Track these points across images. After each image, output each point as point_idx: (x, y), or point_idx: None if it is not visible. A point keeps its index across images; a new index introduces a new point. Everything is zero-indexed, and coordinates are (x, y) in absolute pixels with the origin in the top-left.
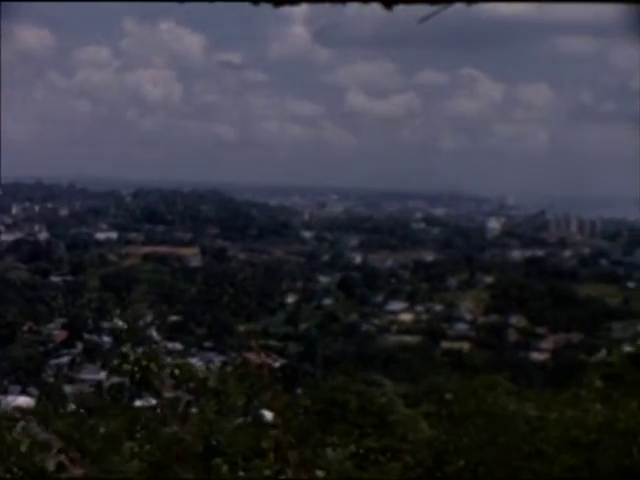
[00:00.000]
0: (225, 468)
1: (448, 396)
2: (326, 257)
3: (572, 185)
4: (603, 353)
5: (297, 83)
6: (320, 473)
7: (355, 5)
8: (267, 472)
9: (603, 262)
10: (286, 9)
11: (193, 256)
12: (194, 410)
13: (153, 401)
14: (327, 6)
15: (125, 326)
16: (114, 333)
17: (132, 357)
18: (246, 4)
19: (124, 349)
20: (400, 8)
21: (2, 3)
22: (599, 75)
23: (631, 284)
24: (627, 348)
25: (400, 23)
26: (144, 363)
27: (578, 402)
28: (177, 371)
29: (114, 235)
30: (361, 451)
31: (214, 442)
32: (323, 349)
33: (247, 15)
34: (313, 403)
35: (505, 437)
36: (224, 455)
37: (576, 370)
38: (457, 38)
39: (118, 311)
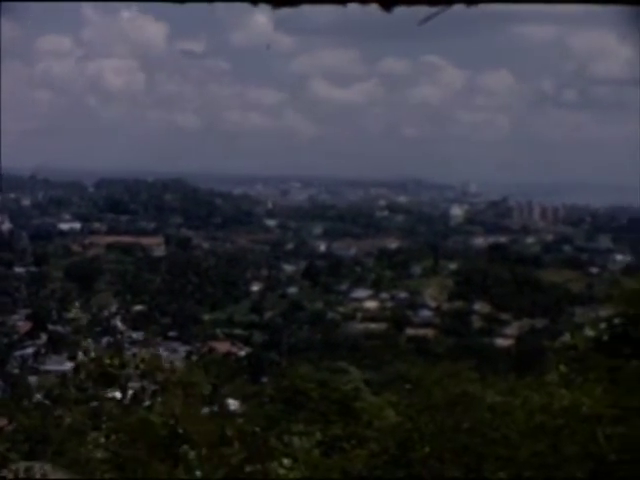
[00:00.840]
0: (192, 455)
1: (413, 383)
2: (290, 245)
3: (535, 172)
4: (566, 338)
5: (259, 71)
6: (286, 461)
7: None
8: (233, 460)
9: (566, 248)
10: None
11: (157, 246)
12: (160, 400)
13: (118, 392)
14: None
15: (85, 318)
16: (73, 326)
17: (93, 353)
18: None
19: (84, 344)
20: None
21: (2, 3)
22: (559, 62)
23: (594, 270)
24: (589, 332)
25: (363, 11)
26: (106, 361)
27: (542, 387)
28: (141, 365)
29: (77, 225)
30: (327, 439)
31: (180, 430)
32: (288, 337)
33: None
34: (278, 392)
35: (469, 423)
36: (190, 443)
37: (540, 355)
38: (419, 26)
39: (77, 303)
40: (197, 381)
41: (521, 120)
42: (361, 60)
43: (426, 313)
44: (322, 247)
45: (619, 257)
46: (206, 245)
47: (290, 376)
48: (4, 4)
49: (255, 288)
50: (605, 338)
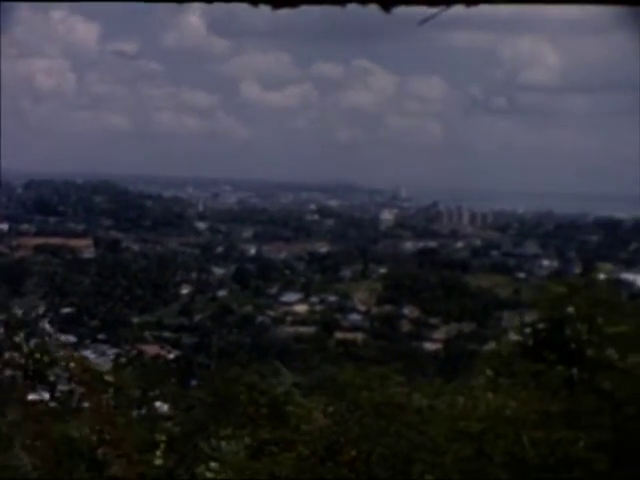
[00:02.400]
0: (118, 459)
1: (341, 386)
2: (220, 248)
3: (464, 177)
4: (493, 343)
5: (192, 73)
6: (214, 464)
7: None
8: (160, 464)
9: (494, 253)
10: None
11: (86, 247)
12: (87, 404)
13: (46, 395)
14: None
15: (17, 316)
16: (5, 324)
17: (26, 349)
18: None
19: (17, 339)
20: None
21: (2, 3)
22: (489, 69)
23: (521, 275)
24: (514, 337)
25: (297, 15)
26: (37, 356)
27: (469, 391)
28: (72, 364)
29: (5, 226)
30: (255, 443)
31: (108, 435)
32: (218, 340)
33: (141, 4)
34: (207, 395)
35: (396, 427)
36: (117, 448)
37: (468, 360)
38: (352, 30)
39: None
40: (125, 384)
41: (451, 126)
42: (294, 63)
43: (355, 317)
44: (252, 250)
45: (545, 262)
46: (136, 247)
47: (219, 379)
48: (4, 4)
49: (185, 291)
50: (530, 343)
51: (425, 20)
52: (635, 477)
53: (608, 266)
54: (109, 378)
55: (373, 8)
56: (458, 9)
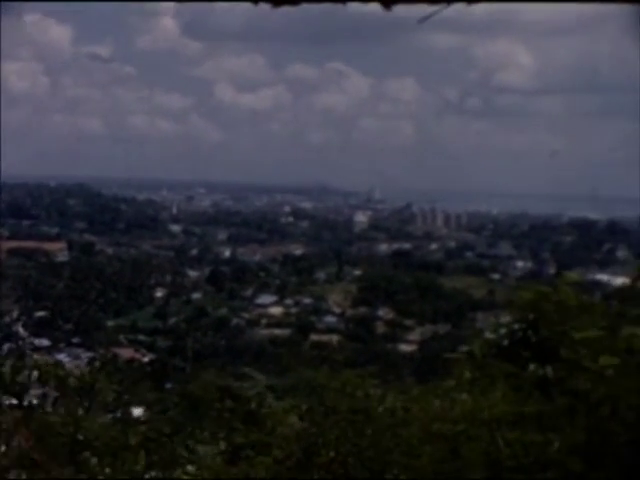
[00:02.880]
0: (94, 461)
1: (316, 389)
2: (195, 251)
3: (438, 178)
4: (467, 343)
5: (166, 76)
6: (190, 468)
7: None
8: (136, 467)
9: (468, 254)
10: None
11: (60, 251)
12: (62, 407)
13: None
14: None
15: None
16: None
17: None
18: None
19: None
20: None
21: (2, 3)
22: (463, 71)
23: (495, 276)
24: (489, 337)
25: (270, 17)
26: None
27: (444, 392)
28: (45, 369)
29: None
30: (231, 446)
31: (81, 437)
32: (193, 343)
33: (115, 7)
34: (183, 398)
35: (372, 429)
36: (92, 449)
37: (443, 361)
38: (325, 32)
39: None
40: (100, 387)
41: (425, 127)
42: (268, 65)
43: (330, 319)
44: (227, 253)
45: (520, 263)
46: (110, 250)
47: (194, 382)
48: (4, 4)
49: (159, 294)
50: (505, 343)
51: (425, 18)
52: (609, 478)
53: (574, 275)
54: (83, 381)
55: (374, 6)
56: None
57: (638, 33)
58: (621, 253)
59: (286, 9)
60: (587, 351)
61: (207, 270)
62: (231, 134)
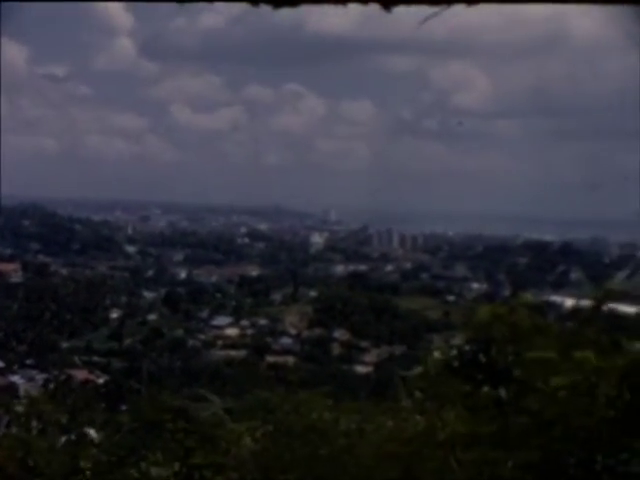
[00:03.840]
0: None
1: (271, 410)
2: (150, 272)
3: (394, 200)
4: (421, 365)
5: (122, 96)
6: None
7: (182, 17)
8: None
9: (424, 276)
10: (111, 21)
11: (14, 272)
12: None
13: None
14: (153, 19)
15: None
16: None
17: None
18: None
19: None
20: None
21: (2, 3)
22: (419, 93)
23: (451, 297)
24: (441, 358)
25: (227, 38)
26: None
27: (397, 413)
28: None
29: None
30: (185, 468)
31: (30, 462)
32: (148, 365)
33: (71, 27)
34: (137, 420)
35: (326, 450)
36: (41, 476)
37: (397, 381)
38: (282, 54)
39: None
40: (53, 410)
41: (382, 149)
42: (224, 86)
43: (286, 340)
44: (182, 274)
45: (475, 285)
46: (64, 271)
47: (148, 404)
48: (4, 4)
49: (114, 315)
50: (456, 364)
51: (425, 20)
52: None
53: (529, 297)
54: (36, 403)
55: (374, 8)
56: (394, 32)
57: (638, 34)
58: (575, 275)
59: (242, 29)
60: (539, 372)
61: (163, 291)
62: (187, 155)
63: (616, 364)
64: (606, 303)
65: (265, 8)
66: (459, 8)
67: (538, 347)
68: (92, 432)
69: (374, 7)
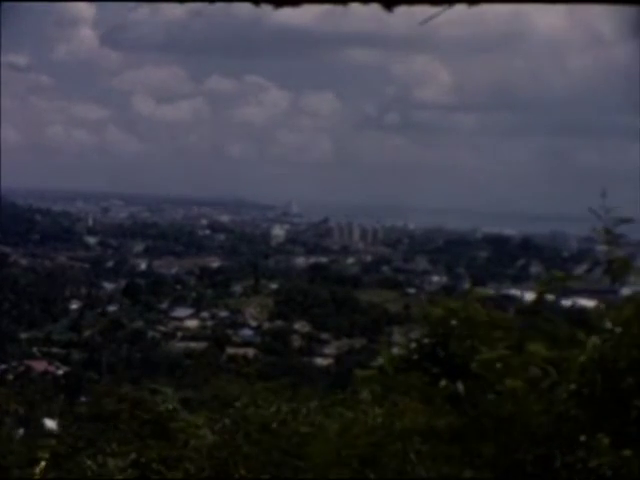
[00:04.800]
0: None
1: (230, 402)
2: (111, 263)
3: (356, 193)
4: (380, 357)
5: (84, 86)
6: None
7: (145, 8)
8: None
9: (384, 269)
10: (72, 11)
11: None
12: None
13: None
14: (116, 9)
15: None
16: None
17: None
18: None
19: None
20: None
21: (2, 3)
22: (382, 86)
23: (411, 290)
24: (400, 352)
25: (190, 29)
26: None
27: (356, 405)
28: None
29: None
30: (142, 460)
31: None
32: (108, 356)
33: (33, 16)
34: (95, 411)
35: (284, 442)
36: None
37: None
38: (245, 46)
39: None
40: (11, 400)
41: (344, 142)
42: (187, 78)
43: (247, 332)
44: (143, 265)
45: (435, 278)
46: (24, 262)
47: (107, 395)
48: (4, 4)
49: (74, 306)
50: (415, 357)
51: (426, 20)
52: None
53: (483, 290)
54: None
55: (374, 7)
56: (357, 25)
57: (637, 34)
58: (534, 269)
59: (204, 21)
60: (493, 368)
61: (123, 282)
62: (149, 146)
63: (573, 358)
64: (552, 293)
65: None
66: (460, 7)
67: (493, 341)
68: (50, 423)
69: (374, 6)
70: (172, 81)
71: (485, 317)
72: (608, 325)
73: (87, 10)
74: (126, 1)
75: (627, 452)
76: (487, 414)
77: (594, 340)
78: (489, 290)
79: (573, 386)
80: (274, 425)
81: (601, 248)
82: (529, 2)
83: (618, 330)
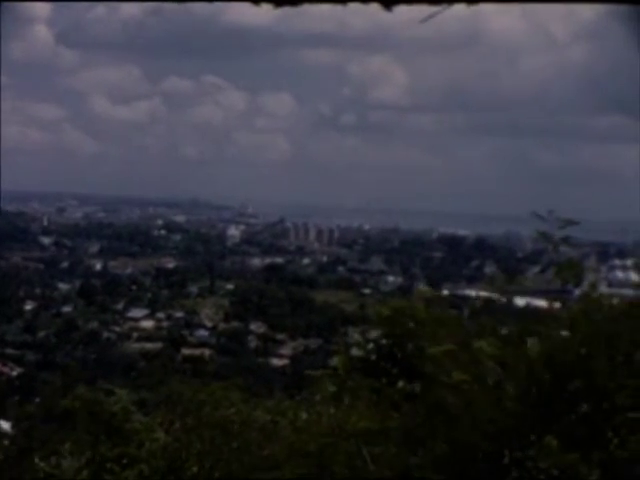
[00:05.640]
0: None
1: (184, 403)
2: (66, 264)
3: (311, 194)
4: (336, 358)
5: (39, 86)
6: None
7: (102, 7)
8: None
9: (340, 269)
10: (27, 8)
11: None
12: None
13: None
14: (71, 8)
15: None
16: None
17: None
18: None
19: None
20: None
21: (2, 3)
22: (338, 87)
23: (366, 290)
24: (357, 352)
25: (147, 28)
26: None
27: (311, 406)
28: None
29: None
30: (96, 460)
31: None
32: (62, 357)
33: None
34: (49, 412)
35: (238, 442)
36: None
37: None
38: (202, 46)
39: None
40: None
41: (300, 143)
42: (144, 78)
43: (202, 333)
44: (98, 265)
45: (391, 278)
46: None
47: (62, 396)
48: (4, 4)
49: (29, 307)
50: (372, 358)
51: (426, 19)
52: None
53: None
54: None
55: (374, 6)
56: (313, 26)
57: (637, 33)
58: (489, 269)
59: (160, 20)
60: (442, 365)
61: (78, 283)
62: (104, 146)
63: (520, 357)
64: (504, 293)
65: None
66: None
67: (440, 339)
68: (4, 424)
69: (374, 6)
70: (128, 81)
71: (428, 316)
72: (557, 325)
73: (42, 8)
74: (126, 1)
75: (574, 456)
76: (438, 411)
77: (535, 340)
78: (434, 290)
79: (521, 384)
80: (229, 425)
81: (555, 249)
82: (530, 2)
83: (566, 330)
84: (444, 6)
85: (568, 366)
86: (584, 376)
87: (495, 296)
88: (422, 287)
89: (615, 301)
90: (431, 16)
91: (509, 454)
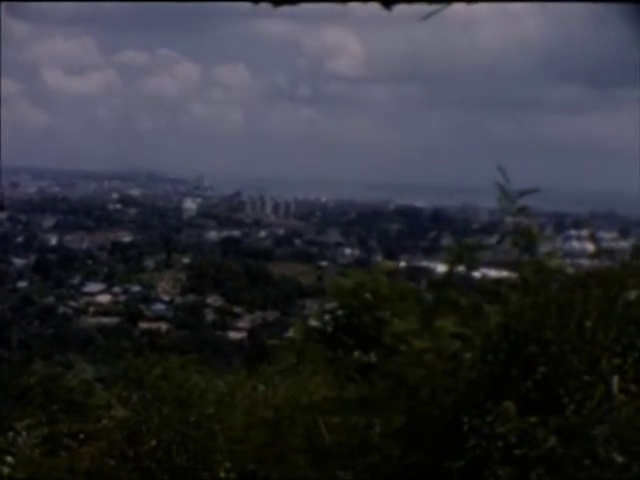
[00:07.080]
0: None
1: (142, 376)
2: (20, 239)
3: (268, 166)
4: (293, 330)
5: None
6: (10, 459)
7: None
8: None
9: (297, 242)
10: None
11: None
12: None
13: None
14: None
15: None
16: None
17: None
18: None
19: None
20: None
21: (2, 3)
22: (293, 58)
23: (324, 263)
24: (314, 324)
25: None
26: None
27: (268, 379)
28: None
29: None
30: (53, 436)
31: None
32: (18, 333)
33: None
34: (6, 388)
35: (196, 415)
36: None
37: (271, 348)
38: (155, 18)
39: None
40: None
41: (256, 114)
42: (98, 50)
43: (159, 307)
44: (53, 240)
45: (348, 251)
46: None
47: (16, 372)
48: (4, 4)
49: None
50: (329, 330)
51: (426, 17)
52: (426, 461)
53: (389, 263)
54: None
55: (373, 5)
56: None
57: (636, 32)
58: (445, 241)
59: None
60: (403, 337)
61: (33, 258)
62: (58, 119)
63: (478, 329)
64: (461, 264)
65: None
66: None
67: (400, 312)
68: None
69: (374, 5)
70: (82, 53)
71: (389, 289)
72: (513, 293)
73: None
74: (126, 1)
75: (532, 419)
76: (397, 381)
77: (494, 308)
78: (396, 263)
79: (478, 352)
80: (187, 398)
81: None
82: (529, 2)
83: (521, 296)
84: (443, 5)
85: (523, 333)
86: (539, 343)
87: (456, 268)
88: (383, 260)
89: (570, 271)
90: (430, 15)
91: (468, 422)
